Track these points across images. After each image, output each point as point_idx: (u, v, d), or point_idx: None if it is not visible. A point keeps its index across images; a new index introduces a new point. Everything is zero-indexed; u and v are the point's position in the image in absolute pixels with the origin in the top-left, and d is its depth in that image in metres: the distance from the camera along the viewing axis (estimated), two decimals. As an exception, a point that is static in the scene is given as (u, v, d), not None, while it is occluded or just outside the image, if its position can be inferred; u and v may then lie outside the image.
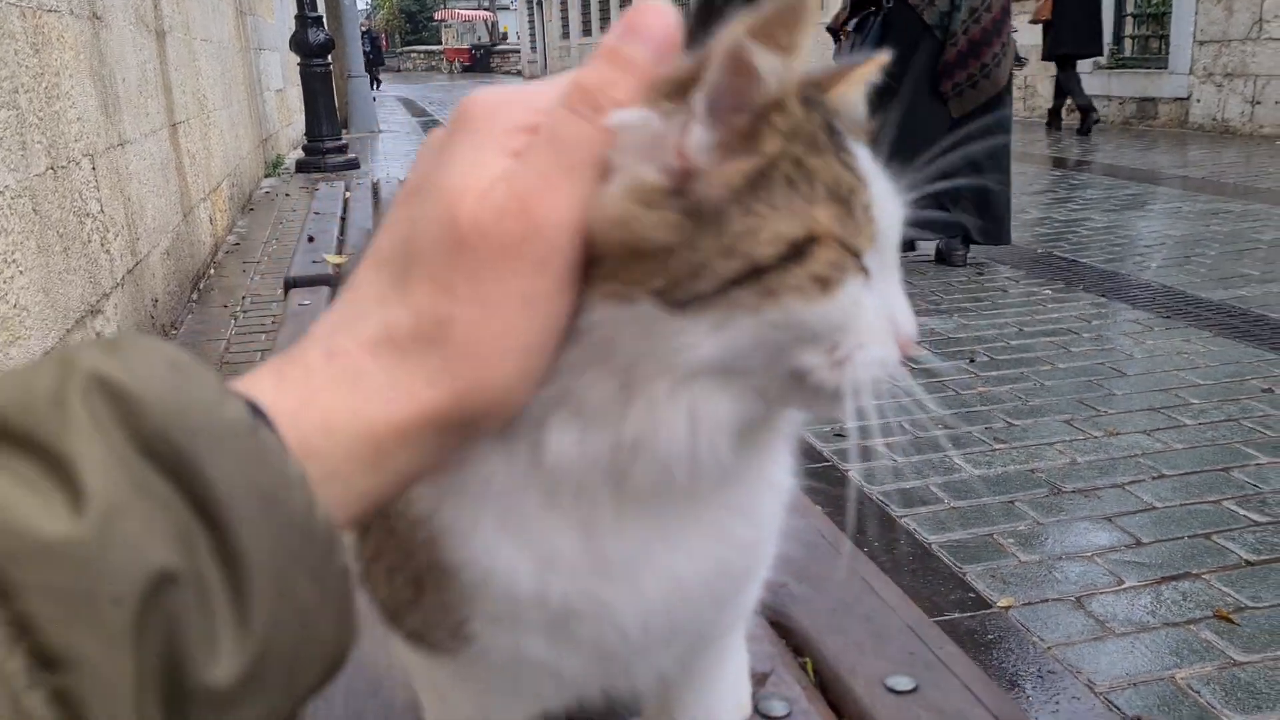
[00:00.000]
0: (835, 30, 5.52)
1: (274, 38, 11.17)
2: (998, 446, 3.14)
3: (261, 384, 0.39)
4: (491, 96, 0.44)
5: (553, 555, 0.46)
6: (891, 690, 0.83)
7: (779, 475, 0.55)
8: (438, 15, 60.85)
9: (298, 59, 10.16)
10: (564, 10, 36.24)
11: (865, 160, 0.44)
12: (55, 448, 0.31)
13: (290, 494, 0.35)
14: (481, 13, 56.69)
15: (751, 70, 0.40)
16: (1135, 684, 1.98)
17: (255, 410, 0.37)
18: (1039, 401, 3.49)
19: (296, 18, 9.88)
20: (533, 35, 42.44)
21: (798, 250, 0.40)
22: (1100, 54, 10.53)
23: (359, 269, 0.43)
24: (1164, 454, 3.01)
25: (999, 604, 2.27)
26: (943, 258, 5.28)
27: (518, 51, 47.25)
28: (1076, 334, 4.19)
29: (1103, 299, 4.68)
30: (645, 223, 0.40)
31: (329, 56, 10.13)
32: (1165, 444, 3.08)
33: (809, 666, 0.88)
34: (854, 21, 5.16)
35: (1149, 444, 3.09)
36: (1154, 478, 2.87)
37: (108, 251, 3.63)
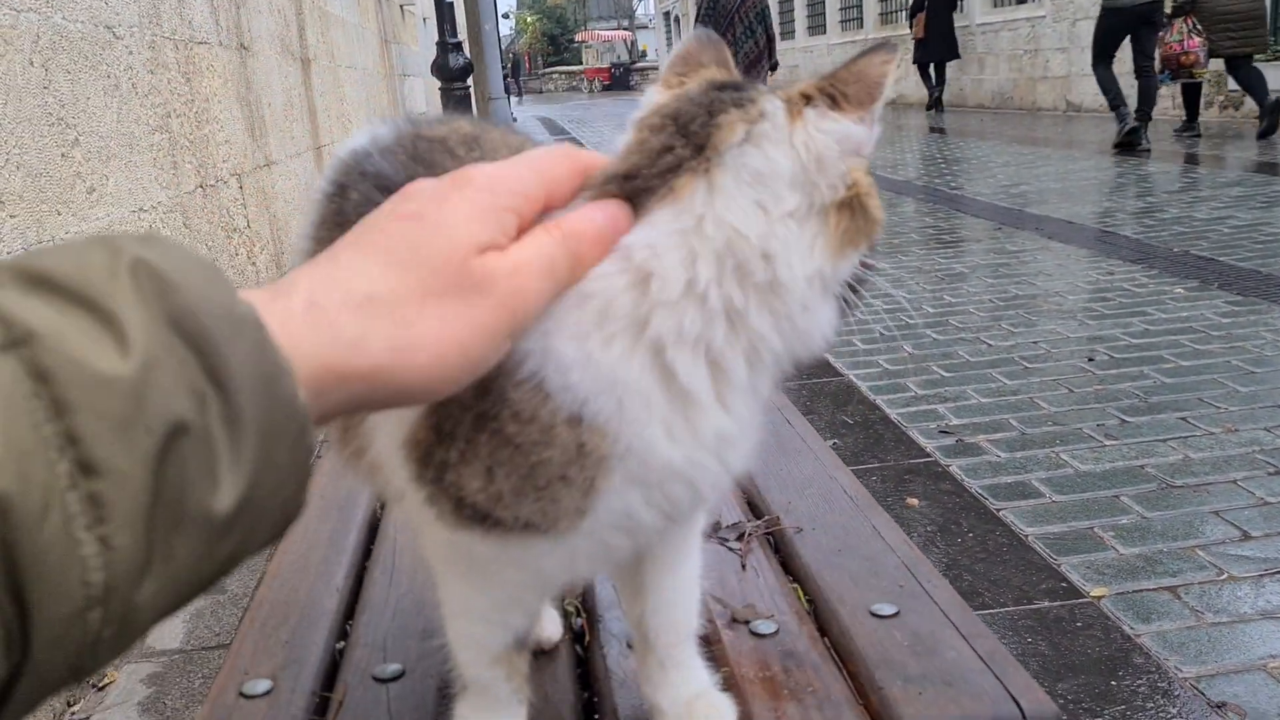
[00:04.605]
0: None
1: (418, 64, 11.63)
2: (1108, 443, 3.09)
3: (253, 302, 0.47)
4: (489, 171, 0.58)
5: (671, 430, 0.62)
6: (875, 614, 0.91)
7: None
8: (579, 37, 62.21)
9: (439, 83, 10.57)
10: (702, 26, 36.69)
11: None
12: (107, 306, 0.39)
13: (281, 381, 0.45)
14: (621, 33, 57.62)
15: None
16: (1224, 673, 1.96)
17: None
18: (1158, 399, 3.41)
19: (438, 44, 10.28)
20: (670, 52, 42.95)
21: None
22: (957, 57, 15.13)
23: (343, 249, 0.54)
24: (1285, 450, 2.92)
25: (1091, 594, 2.26)
26: None
27: (656, 68, 47.88)
28: (1205, 332, 4.06)
29: (1239, 297, 4.51)
30: None
31: (469, 80, 10.47)
32: (1288, 440, 2.98)
33: (799, 593, 0.97)
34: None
35: (1269, 439, 3.00)
36: (1270, 473, 2.78)
37: (254, 263, 3.93)
